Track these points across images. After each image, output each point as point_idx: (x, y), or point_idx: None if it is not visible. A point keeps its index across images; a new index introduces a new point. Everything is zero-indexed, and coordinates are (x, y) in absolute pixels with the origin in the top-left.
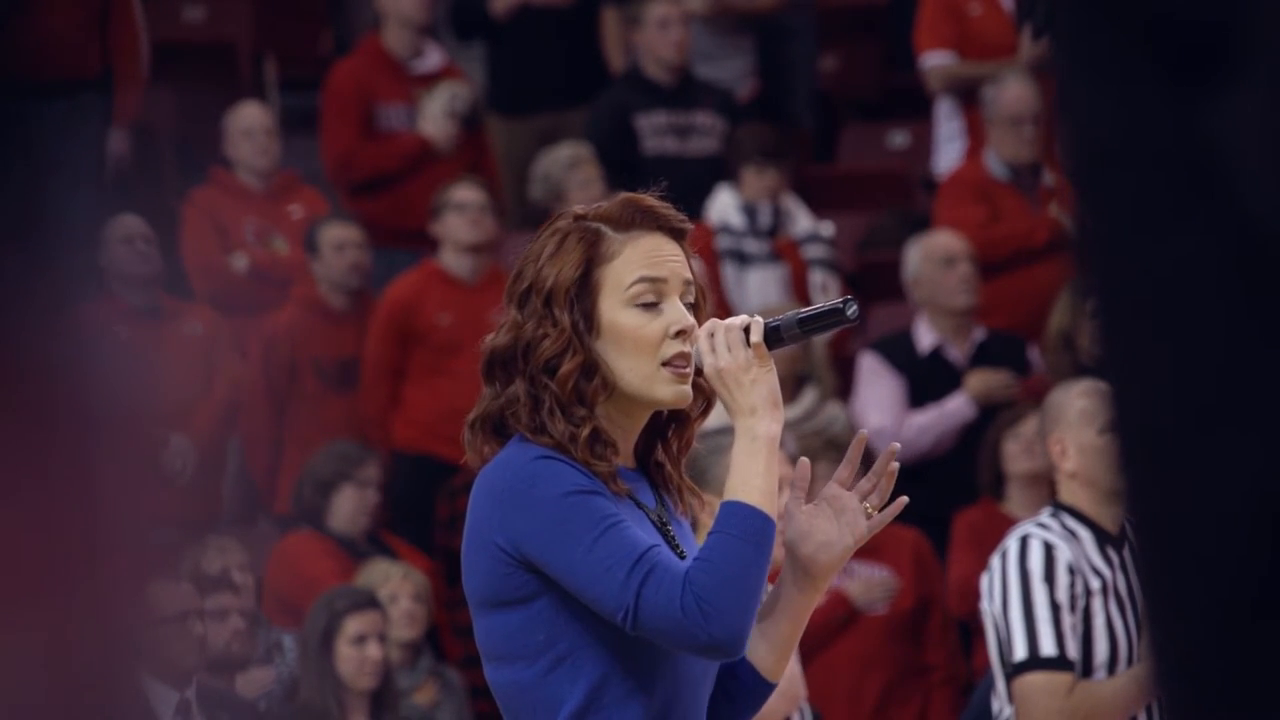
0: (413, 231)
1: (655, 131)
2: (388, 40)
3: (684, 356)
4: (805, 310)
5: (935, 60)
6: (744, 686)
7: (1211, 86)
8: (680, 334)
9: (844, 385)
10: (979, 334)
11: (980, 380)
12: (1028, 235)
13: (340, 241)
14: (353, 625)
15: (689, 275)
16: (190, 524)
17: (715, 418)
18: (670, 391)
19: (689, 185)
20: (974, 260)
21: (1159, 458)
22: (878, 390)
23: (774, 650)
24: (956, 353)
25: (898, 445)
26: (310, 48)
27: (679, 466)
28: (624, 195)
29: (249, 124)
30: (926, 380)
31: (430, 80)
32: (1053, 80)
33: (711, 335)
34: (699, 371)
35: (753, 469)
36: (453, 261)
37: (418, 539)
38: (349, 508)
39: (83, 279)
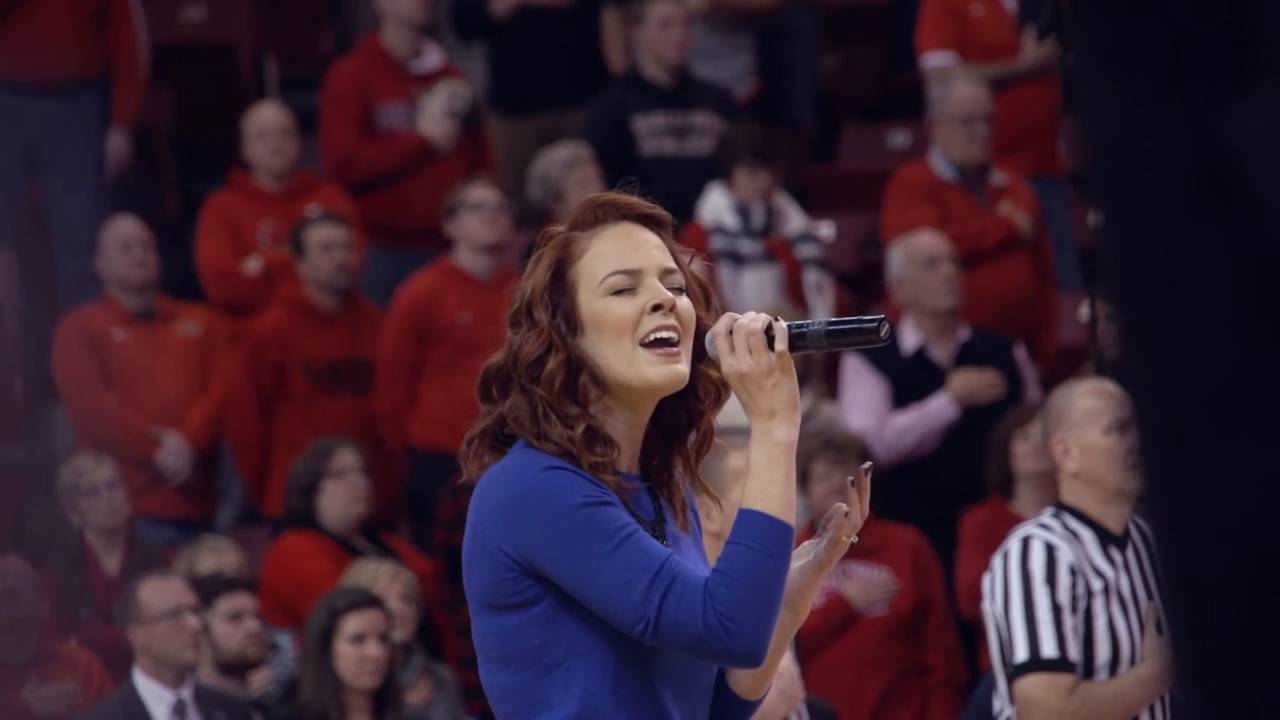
0: (413, 231)
1: (653, 133)
2: (387, 40)
3: (665, 328)
4: (835, 322)
5: (936, 61)
6: (723, 705)
7: (1230, 90)
8: (657, 308)
9: (832, 387)
10: (963, 334)
11: (963, 380)
12: (980, 236)
13: (327, 241)
14: (351, 624)
15: (668, 262)
16: (186, 524)
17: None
18: (659, 372)
19: (688, 185)
20: (956, 261)
21: (1177, 459)
22: (861, 391)
23: (747, 673)
24: (940, 353)
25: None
26: (310, 48)
27: (693, 470)
28: (586, 197)
29: (264, 124)
30: (910, 381)
31: (430, 80)
32: (1065, 81)
33: (730, 334)
34: (701, 357)
35: (772, 475)
36: (469, 260)
37: (431, 537)
38: (336, 502)
39: (80, 281)
